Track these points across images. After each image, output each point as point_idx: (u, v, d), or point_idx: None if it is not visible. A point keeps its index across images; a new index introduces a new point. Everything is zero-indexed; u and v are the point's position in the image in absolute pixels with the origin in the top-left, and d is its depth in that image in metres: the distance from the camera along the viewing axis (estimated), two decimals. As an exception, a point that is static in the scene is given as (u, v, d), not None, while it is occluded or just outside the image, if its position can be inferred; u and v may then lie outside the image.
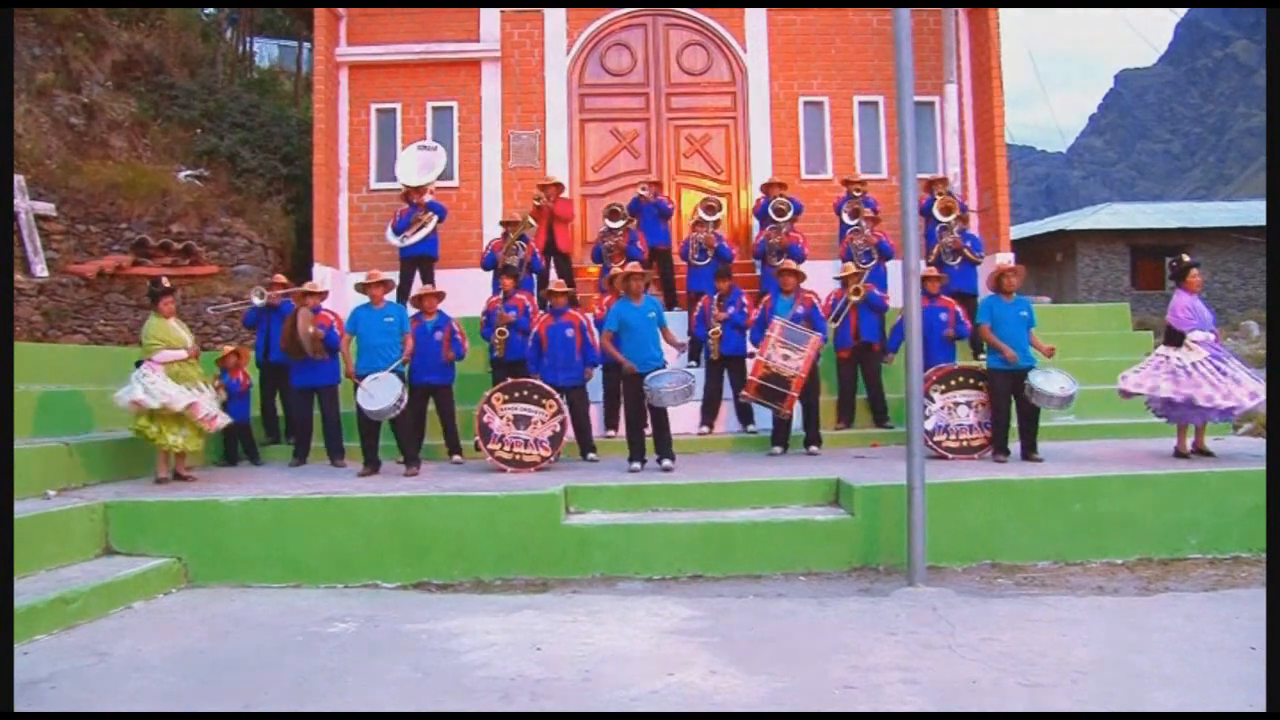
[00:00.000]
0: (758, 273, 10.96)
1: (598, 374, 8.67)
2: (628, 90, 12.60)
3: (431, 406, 8.41)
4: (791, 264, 8.89)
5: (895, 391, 8.63)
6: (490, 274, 9.88)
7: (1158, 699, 3.96)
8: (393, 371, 7.74)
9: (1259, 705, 3.77)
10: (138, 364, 7.40)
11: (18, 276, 10.10)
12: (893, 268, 9.21)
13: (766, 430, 8.68)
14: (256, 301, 8.99)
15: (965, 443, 7.91)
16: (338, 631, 5.23)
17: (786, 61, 12.49)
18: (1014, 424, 7.80)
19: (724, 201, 11.60)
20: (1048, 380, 7.52)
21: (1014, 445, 7.78)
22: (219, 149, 13.19)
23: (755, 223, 11.34)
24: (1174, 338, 7.51)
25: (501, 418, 7.82)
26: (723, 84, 12.61)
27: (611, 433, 9.05)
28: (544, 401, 7.82)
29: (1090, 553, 6.45)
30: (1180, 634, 4.86)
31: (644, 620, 5.28)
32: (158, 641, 5.03)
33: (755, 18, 12.50)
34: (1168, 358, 7.42)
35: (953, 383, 8.01)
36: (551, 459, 7.85)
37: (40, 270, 10.52)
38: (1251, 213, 25.82)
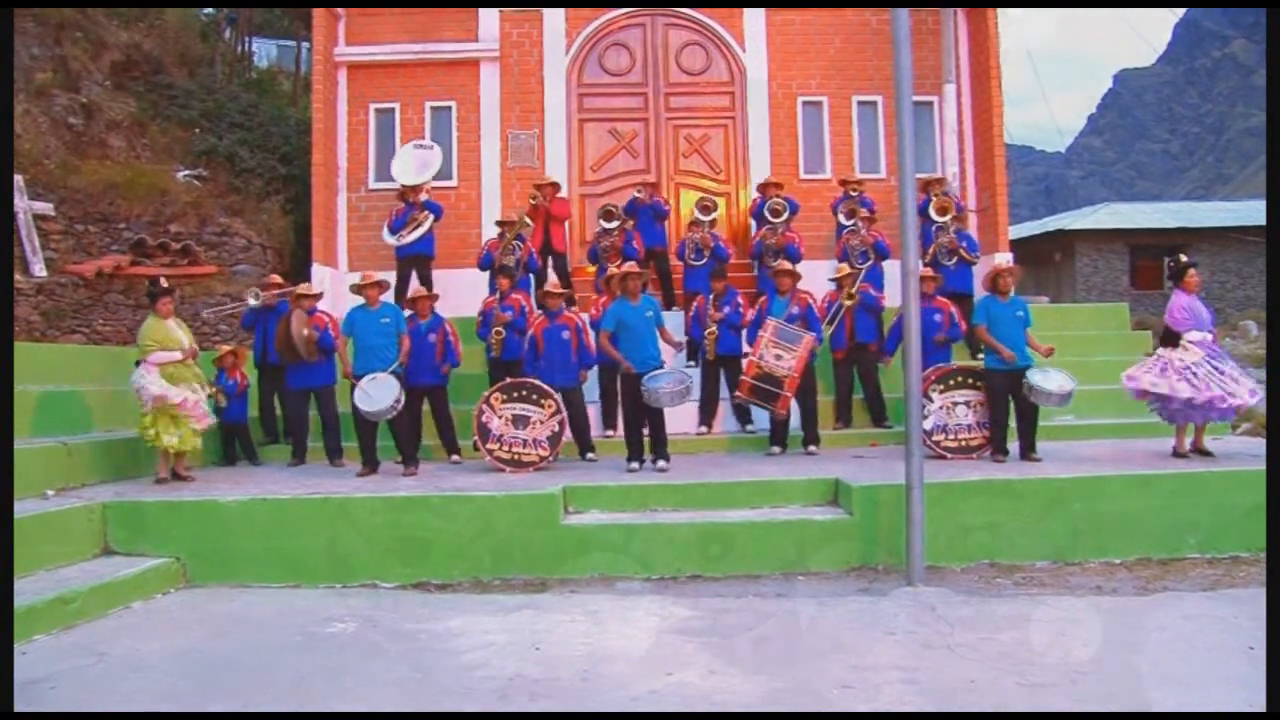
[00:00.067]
0: (755, 273, 10.96)
1: (593, 374, 8.66)
2: (626, 90, 12.59)
3: (427, 408, 8.40)
4: (786, 264, 8.88)
5: (893, 391, 8.63)
6: (487, 274, 9.88)
7: (1157, 699, 3.96)
8: (390, 373, 7.75)
9: (1258, 705, 3.77)
10: (136, 364, 7.42)
11: (16, 276, 10.09)
12: (889, 267, 9.21)
13: (765, 430, 8.68)
14: (252, 303, 8.98)
15: (964, 442, 7.91)
16: (336, 631, 5.23)
17: (785, 61, 12.49)
18: (1012, 424, 7.80)
19: (720, 201, 11.58)
20: (1046, 378, 7.52)
21: (1012, 445, 7.78)
22: (218, 149, 13.19)
23: (753, 223, 11.34)
24: (1171, 338, 7.51)
25: (500, 418, 7.82)
26: (721, 84, 12.61)
27: (610, 432, 9.05)
28: (543, 401, 7.82)
29: (1089, 552, 6.45)
30: (1179, 634, 4.86)
31: (643, 620, 5.28)
32: (156, 641, 5.03)
33: (754, 17, 12.49)
34: (1170, 360, 7.41)
35: (951, 382, 8.01)
36: (550, 459, 7.84)
37: (39, 270, 10.50)
38: (1250, 212, 25.84)
